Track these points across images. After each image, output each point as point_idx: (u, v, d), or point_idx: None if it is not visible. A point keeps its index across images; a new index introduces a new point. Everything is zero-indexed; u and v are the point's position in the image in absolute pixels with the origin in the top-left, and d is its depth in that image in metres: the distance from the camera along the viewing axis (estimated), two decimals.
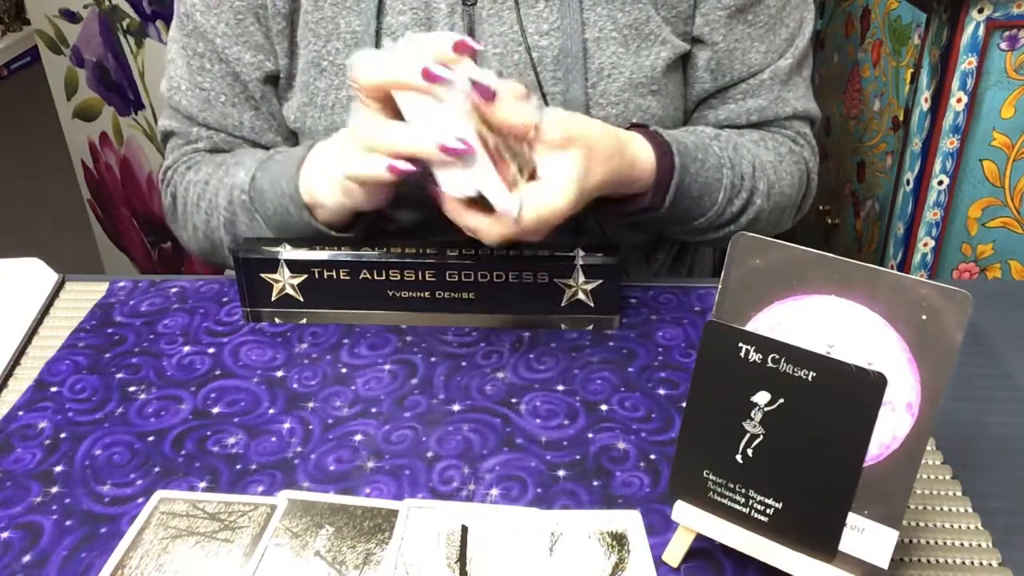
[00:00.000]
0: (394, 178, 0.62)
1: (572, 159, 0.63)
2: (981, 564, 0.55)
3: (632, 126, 0.74)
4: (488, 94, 0.60)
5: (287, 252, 0.73)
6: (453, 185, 0.61)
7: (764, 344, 0.49)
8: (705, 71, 0.81)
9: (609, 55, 0.77)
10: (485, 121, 0.61)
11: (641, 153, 0.71)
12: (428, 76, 0.59)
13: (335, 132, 0.74)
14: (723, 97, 0.83)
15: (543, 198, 0.62)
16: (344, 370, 0.70)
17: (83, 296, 0.81)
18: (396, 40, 0.77)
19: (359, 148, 0.63)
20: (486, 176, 0.61)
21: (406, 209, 0.83)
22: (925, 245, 1.29)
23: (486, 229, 0.62)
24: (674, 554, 0.54)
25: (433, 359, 0.71)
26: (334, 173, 0.69)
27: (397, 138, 0.61)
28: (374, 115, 0.63)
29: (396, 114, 0.62)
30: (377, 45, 0.77)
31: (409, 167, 0.62)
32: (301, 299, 0.74)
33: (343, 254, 0.73)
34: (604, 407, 0.66)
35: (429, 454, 0.62)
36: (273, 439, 0.64)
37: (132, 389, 0.69)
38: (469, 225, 0.63)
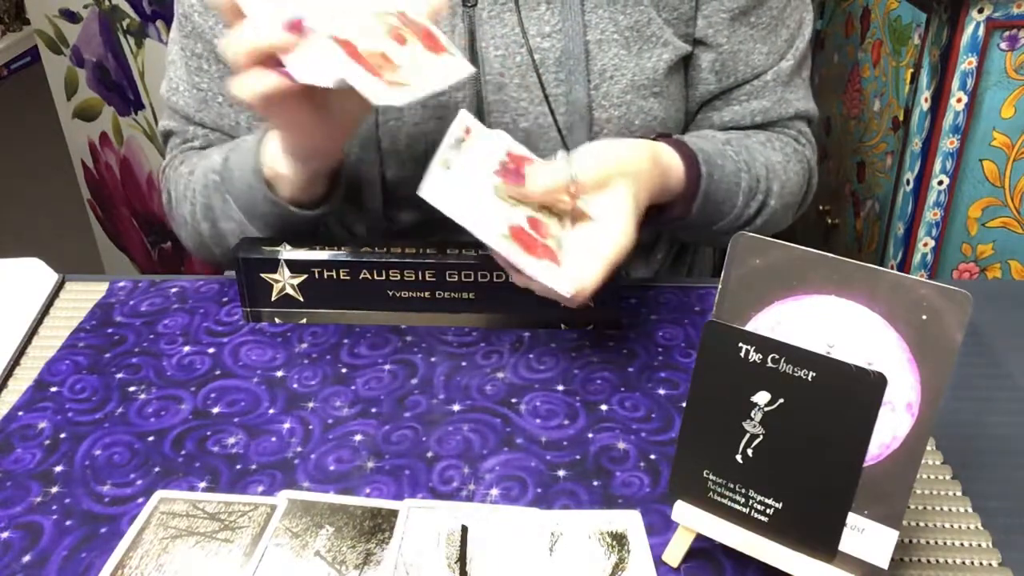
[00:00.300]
0: (288, 83, 0.59)
1: (621, 194, 0.64)
2: (981, 564, 0.55)
3: (657, 136, 0.75)
4: (517, 178, 0.62)
5: (287, 252, 0.73)
6: (303, 71, 0.58)
7: (764, 344, 0.49)
8: (709, 73, 0.82)
9: (611, 57, 0.77)
10: (522, 199, 0.62)
11: (672, 164, 0.72)
12: (293, 25, 0.58)
13: None
14: (727, 99, 0.83)
15: (608, 241, 0.62)
16: (344, 370, 0.70)
17: (83, 296, 0.81)
18: None
19: (234, 68, 0.61)
20: (545, 269, 0.61)
21: (406, 209, 0.83)
22: (925, 245, 1.29)
23: (573, 299, 0.62)
24: (674, 554, 0.54)
25: (433, 359, 0.71)
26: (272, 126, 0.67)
27: (245, 31, 0.59)
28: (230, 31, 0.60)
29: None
30: None
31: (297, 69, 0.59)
32: (301, 299, 0.74)
33: (343, 254, 0.73)
34: (604, 407, 0.66)
35: (429, 454, 0.62)
36: (273, 439, 0.64)
37: (132, 389, 0.69)
38: (555, 297, 0.63)
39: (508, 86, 0.77)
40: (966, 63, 1.15)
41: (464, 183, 0.62)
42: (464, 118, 0.65)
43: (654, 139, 0.74)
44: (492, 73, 0.77)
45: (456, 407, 0.66)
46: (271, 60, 0.59)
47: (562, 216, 0.65)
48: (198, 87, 0.82)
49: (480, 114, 0.77)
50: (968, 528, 0.57)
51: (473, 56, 0.76)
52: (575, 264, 0.62)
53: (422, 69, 0.61)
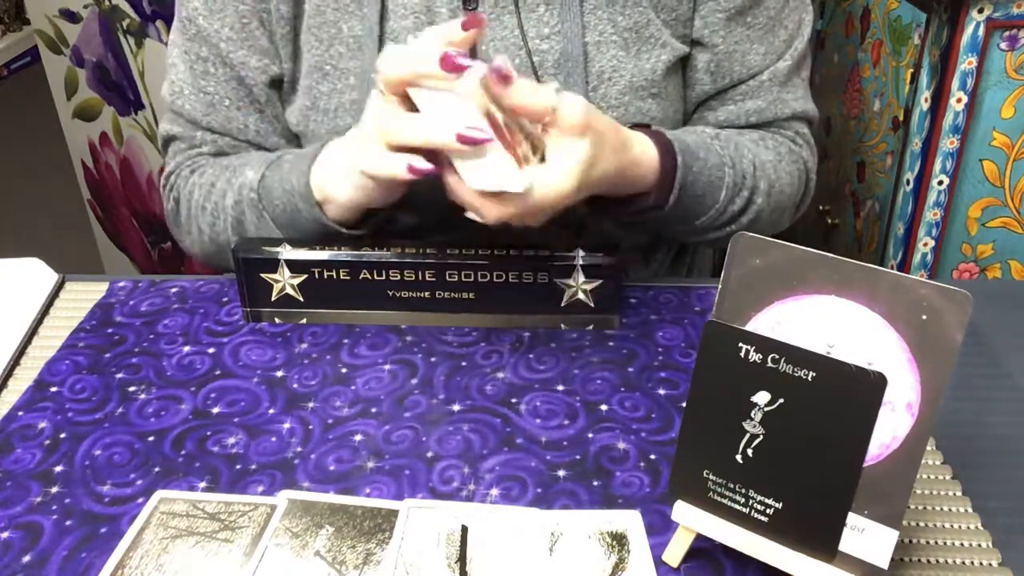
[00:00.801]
0: (412, 177, 0.62)
1: (582, 145, 0.62)
2: (981, 564, 0.55)
3: (634, 126, 0.74)
4: (505, 75, 0.60)
5: (287, 252, 0.73)
6: (474, 178, 0.61)
7: (764, 344, 0.49)
8: (705, 73, 0.81)
9: (609, 58, 0.77)
10: (499, 104, 0.61)
11: (645, 151, 0.71)
12: (447, 62, 0.59)
13: (338, 136, 0.74)
14: (723, 99, 0.83)
15: (549, 180, 0.61)
16: (344, 370, 0.70)
17: (83, 296, 0.81)
18: (400, 43, 0.77)
19: (377, 142, 0.63)
20: (496, 155, 0.60)
21: (406, 210, 0.83)
22: (925, 245, 1.29)
23: (488, 207, 0.62)
24: (674, 554, 0.54)
25: (433, 359, 0.71)
26: (349, 169, 0.68)
27: (415, 129, 0.61)
28: (392, 108, 0.62)
29: (414, 111, 0.62)
30: (380, 50, 0.77)
31: (428, 167, 0.61)
32: (301, 299, 0.75)
33: (343, 254, 0.73)
34: (604, 407, 0.66)
35: (429, 454, 0.62)
36: (273, 439, 0.64)
37: (132, 389, 0.69)
38: (471, 202, 0.62)
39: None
40: (966, 63, 1.15)
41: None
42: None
43: (630, 128, 0.73)
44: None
45: (456, 407, 0.66)
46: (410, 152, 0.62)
47: (535, 148, 0.63)
48: (204, 91, 0.82)
49: None
50: (968, 528, 0.57)
51: (472, 58, 0.76)
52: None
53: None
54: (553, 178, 0.61)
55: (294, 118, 0.83)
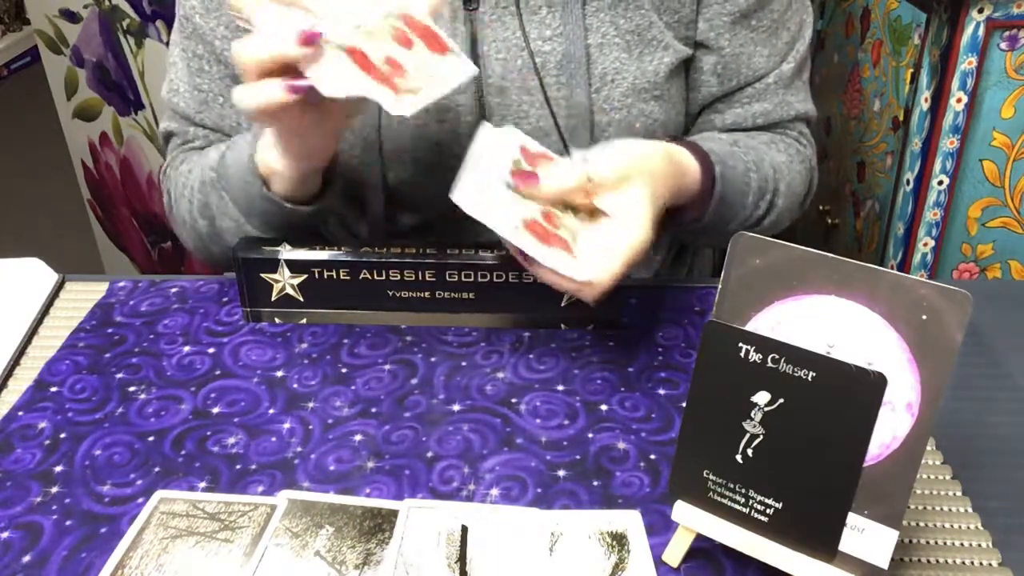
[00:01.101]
0: (294, 97, 0.60)
1: (638, 193, 0.63)
2: (981, 564, 0.55)
3: (670, 139, 0.75)
4: (531, 179, 0.62)
5: (287, 252, 0.73)
6: (329, 84, 0.59)
7: (764, 344, 0.49)
8: (711, 76, 0.82)
9: (612, 60, 0.77)
10: (532, 197, 0.63)
11: (688, 164, 0.72)
12: (307, 37, 0.58)
13: None
14: (729, 101, 0.83)
15: (626, 235, 0.62)
16: (344, 370, 0.70)
17: (83, 296, 0.81)
18: None
19: (246, 78, 0.61)
20: (559, 258, 0.62)
21: (408, 211, 0.83)
22: (925, 245, 1.29)
23: (586, 289, 0.62)
24: (674, 554, 0.54)
25: (433, 359, 0.71)
26: (266, 130, 0.67)
27: (259, 45, 0.59)
28: (241, 42, 0.60)
29: None
30: None
31: (304, 82, 0.59)
32: (301, 299, 0.75)
33: (343, 254, 0.73)
34: (604, 407, 0.66)
35: (429, 454, 0.62)
36: (273, 439, 0.64)
37: (132, 389, 0.69)
38: (569, 288, 0.63)
39: (509, 90, 0.77)
40: (966, 63, 1.15)
41: (483, 183, 0.63)
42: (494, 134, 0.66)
43: (667, 140, 0.73)
44: (494, 76, 0.77)
45: (456, 407, 0.66)
46: (277, 70, 0.60)
47: (577, 211, 0.65)
48: (199, 88, 0.82)
49: (482, 117, 0.77)
50: (968, 528, 0.57)
51: (475, 60, 0.76)
52: (591, 257, 0.62)
53: (429, 73, 0.61)
54: (628, 230, 0.62)
55: None
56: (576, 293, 0.64)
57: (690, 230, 0.77)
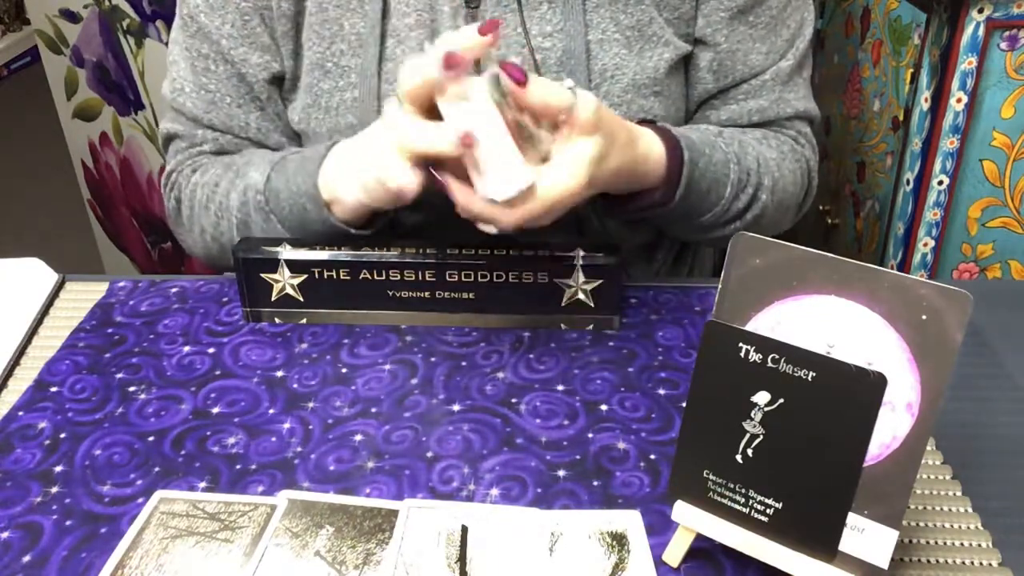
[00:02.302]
0: (419, 184, 0.62)
1: (592, 142, 0.62)
2: (981, 564, 0.55)
3: (640, 122, 0.74)
4: (519, 74, 0.60)
5: (287, 252, 0.73)
6: (488, 187, 0.60)
7: (764, 344, 0.49)
8: (707, 72, 0.81)
9: (612, 56, 0.77)
10: (514, 103, 0.61)
11: (652, 148, 0.71)
12: (449, 60, 0.59)
13: (339, 134, 0.73)
14: (725, 98, 0.83)
15: (559, 177, 0.61)
16: (344, 370, 0.70)
17: (83, 296, 0.81)
18: (402, 41, 0.77)
19: (392, 151, 0.62)
20: (505, 157, 0.60)
21: (407, 210, 0.83)
22: (925, 245, 1.28)
23: (501, 213, 0.61)
24: (674, 554, 0.54)
25: (433, 359, 0.71)
26: (359, 173, 0.68)
27: (424, 136, 0.61)
28: (409, 116, 0.62)
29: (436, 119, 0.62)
30: (382, 47, 0.77)
31: (445, 180, 0.62)
32: (301, 299, 0.75)
33: (343, 254, 0.73)
34: (604, 407, 0.66)
35: (429, 454, 0.62)
36: (273, 439, 0.64)
37: (132, 389, 0.69)
38: (484, 212, 0.62)
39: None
40: (966, 63, 1.15)
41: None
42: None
43: (638, 123, 0.73)
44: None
45: (456, 407, 0.66)
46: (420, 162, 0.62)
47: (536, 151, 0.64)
48: (206, 88, 0.82)
49: None
50: (968, 528, 0.57)
51: (476, 64, 0.76)
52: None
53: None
54: (563, 176, 0.61)
55: (295, 116, 0.82)
56: (483, 217, 0.62)
57: (661, 215, 0.75)
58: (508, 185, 0.60)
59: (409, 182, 0.62)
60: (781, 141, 0.83)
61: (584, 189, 0.62)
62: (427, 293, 0.73)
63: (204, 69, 0.81)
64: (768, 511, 0.50)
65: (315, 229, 0.74)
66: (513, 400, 0.67)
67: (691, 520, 0.53)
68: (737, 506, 0.51)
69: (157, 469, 0.61)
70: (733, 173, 0.77)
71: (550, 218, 0.63)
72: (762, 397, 0.49)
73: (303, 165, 0.73)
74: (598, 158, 0.63)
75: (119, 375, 0.70)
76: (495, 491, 0.59)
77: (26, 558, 0.55)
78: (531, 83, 0.60)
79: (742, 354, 0.49)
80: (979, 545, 0.56)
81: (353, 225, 0.73)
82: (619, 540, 0.55)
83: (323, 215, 0.72)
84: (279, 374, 0.70)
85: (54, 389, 0.69)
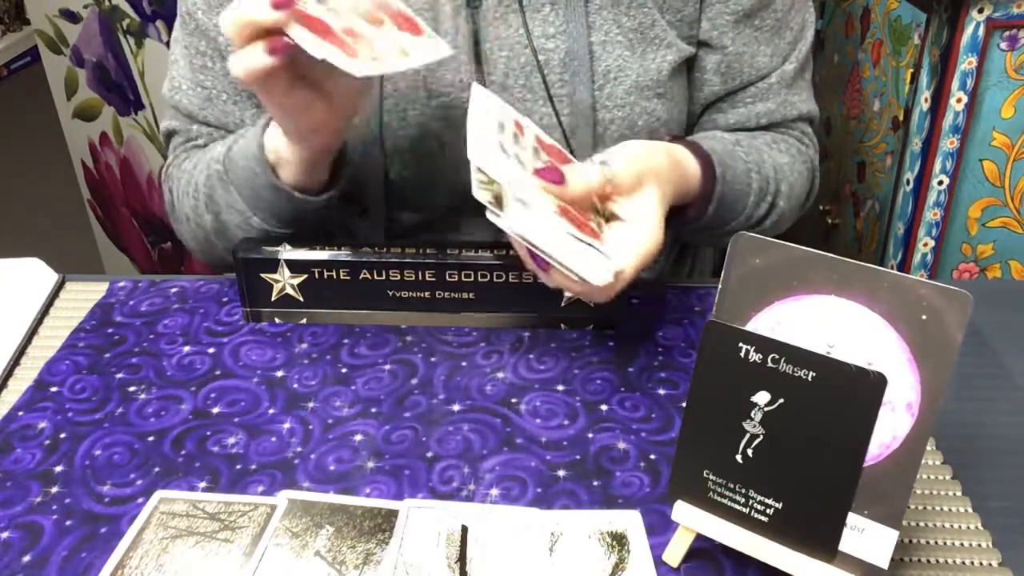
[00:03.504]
0: (277, 60, 0.60)
1: (651, 196, 0.64)
2: (981, 564, 0.55)
3: (672, 138, 0.75)
4: (557, 176, 0.61)
5: (287, 252, 0.73)
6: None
7: (764, 344, 0.49)
8: (714, 75, 0.82)
9: (615, 58, 0.77)
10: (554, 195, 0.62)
11: (689, 164, 0.72)
12: (279, 3, 0.59)
13: None
14: (732, 101, 0.83)
15: (640, 240, 0.62)
16: (344, 370, 0.70)
17: (83, 296, 0.81)
18: None
19: (235, 46, 0.62)
20: (583, 252, 0.61)
21: (409, 209, 0.83)
22: (925, 245, 1.28)
23: (598, 292, 0.62)
24: (674, 554, 0.54)
25: (433, 359, 0.71)
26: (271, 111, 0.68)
27: (243, 9, 0.60)
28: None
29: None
30: None
31: (286, 40, 0.60)
32: (301, 299, 0.74)
33: (343, 254, 0.73)
34: (604, 407, 0.66)
35: (429, 454, 0.62)
36: (273, 439, 0.64)
37: (132, 389, 0.69)
38: (580, 291, 0.63)
39: (512, 87, 0.77)
40: (966, 63, 1.15)
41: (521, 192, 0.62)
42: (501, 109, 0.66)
43: (669, 140, 0.74)
44: (496, 74, 0.77)
45: (456, 407, 0.66)
46: (261, 37, 0.61)
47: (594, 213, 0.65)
48: (202, 85, 0.82)
49: None
50: (968, 528, 0.57)
51: (477, 57, 0.76)
52: (603, 260, 0.62)
53: (399, 47, 0.63)
54: (643, 237, 0.63)
55: None
56: (585, 295, 0.63)
57: (690, 229, 0.77)
58: (605, 271, 0.61)
59: (259, 57, 0.60)
60: (790, 144, 0.84)
61: (663, 235, 0.64)
62: (427, 293, 0.73)
63: (201, 66, 0.81)
64: (768, 511, 0.50)
65: (266, 197, 0.73)
66: (513, 400, 0.67)
67: (691, 520, 0.53)
68: (737, 506, 0.51)
69: (157, 469, 0.61)
70: (755, 183, 0.78)
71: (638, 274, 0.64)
72: (762, 397, 0.49)
73: (254, 131, 0.73)
74: (661, 201, 0.65)
75: (119, 375, 0.70)
76: (495, 491, 0.59)
77: (26, 558, 0.55)
78: (569, 181, 0.62)
79: (742, 354, 0.49)
80: (979, 545, 0.56)
81: (302, 188, 0.72)
82: (619, 540, 0.55)
83: (269, 178, 0.71)
84: (279, 374, 0.70)
85: (54, 389, 0.69)
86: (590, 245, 0.61)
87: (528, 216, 0.60)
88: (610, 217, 0.65)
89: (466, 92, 0.77)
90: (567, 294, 0.72)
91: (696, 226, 0.76)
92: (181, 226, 0.84)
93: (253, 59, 0.61)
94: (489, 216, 0.61)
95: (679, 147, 0.72)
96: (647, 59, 0.78)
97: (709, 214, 0.75)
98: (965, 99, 1.18)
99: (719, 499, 0.51)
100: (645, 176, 0.64)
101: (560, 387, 0.68)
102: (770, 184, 0.80)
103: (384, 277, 0.73)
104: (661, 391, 0.68)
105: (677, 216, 0.73)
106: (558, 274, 0.62)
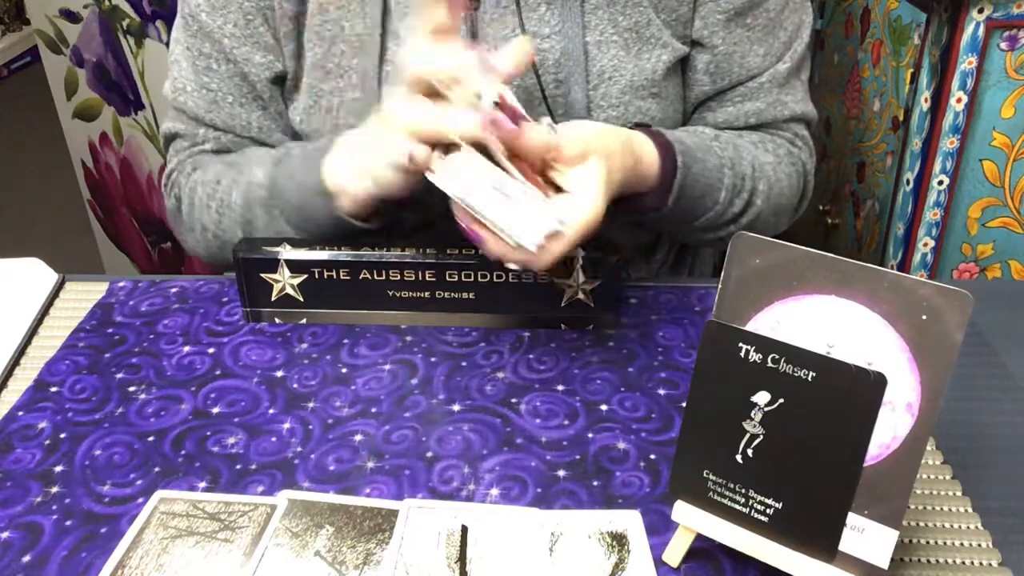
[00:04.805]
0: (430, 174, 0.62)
1: (594, 167, 0.63)
2: (981, 564, 0.55)
3: (635, 125, 0.75)
4: (513, 120, 0.61)
5: (287, 252, 0.73)
6: (526, 239, 0.61)
7: (764, 344, 0.49)
8: (704, 74, 0.82)
9: (610, 58, 0.77)
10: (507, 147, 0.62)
11: (645, 151, 0.71)
12: (494, 123, 0.60)
13: (340, 135, 0.73)
14: (721, 100, 0.83)
15: (581, 208, 0.62)
16: (344, 370, 0.70)
17: (83, 296, 0.81)
18: (402, 43, 0.77)
19: (402, 133, 0.63)
20: (526, 202, 0.61)
21: (407, 210, 0.83)
22: (925, 245, 1.28)
23: (536, 259, 0.62)
24: (674, 554, 0.54)
25: (433, 359, 0.71)
26: (365, 161, 0.68)
27: (440, 117, 0.61)
28: (417, 99, 0.62)
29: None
30: (383, 49, 0.77)
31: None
32: (301, 299, 0.74)
33: (343, 254, 0.73)
34: (604, 407, 0.66)
35: (429, 454, 0.62)
36: (273, 439, 0.64)
37: (132, 389, 0.69)
38: (519, 259, 0.63)
39: (507, 87, 0.77)
40: (966, 63, 1.15)
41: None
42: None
43: (631, 127, 0.73)
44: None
45: (456, 407, 0.66)
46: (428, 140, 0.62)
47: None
48: (207, 87, 0.82)
49: None
50: (968, 528, 0.57)
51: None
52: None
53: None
54: (584, 205, 0.62)
55: (297, 116, 0.82)
56: (520, 262, 0.63)
57: (653, 219, 0.76)
58: (537, 232, 0.61)
59: (419, 150, 0.62)
60: (778, 144, 0.83)
61: (604, 211, 0.63)
62: (427, 293, 0.73)
63: (206, 68, 0.81)
64: (768, 511, 0.50)
65: (319, 223, 0.73)
66: (513, 400, 0.67)
67: (691, 520, 0.53)
68: (737, 506, 0.51)
69: (157, 469, 0.61)
70: (728, 178, 0.77)
71: (576, 247, 0.64)
72: (762, 397, 0.49)
73: (307, 159, 0.73)
74: (606, 175, 0.64)
75: (119, 375, 0.70)
76: (495, 491, 0.59)
77: (26, 558, 0.55)
78: (524, 132, 0.61)
79: (742, 354, 0.49)
80: (979, 545, 0.56)
81: (359, 218, 0.72)
82: (619, 540, 0.55)
83: (328, 208, 0.72)
84: (279, 374, 0.70)
85: (54, 389, 0.69)
86: (532, 200, 0.61)
87: (461, 173, 0.60)
88: (551, 186, 0.64)
89: None
90: (567, 295, 0.72)
91: (659, 216, 0.75)
92: (192, 234, 0.84)
93: (408, 147, 0.62)
94: (428, 176, 0.62)
95: (639, 134, 0.72)
96: (642, 59, 0.78)
97: (670, 204, 0.74)
98: (965, 99, 1.18)
99: (719, 499, 0.51)
100: (593, 151, 0.64)
101: (560, 387, 0.68)
102: (746, 181, 0.79)
103: (384, 277, 0.73)
104: (661, 391, 0.68)
105: (632, 202, 0.73)
106: (493, 240, 0.62)
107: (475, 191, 0.61)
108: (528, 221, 0.61)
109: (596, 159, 0.64)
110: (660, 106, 0.80)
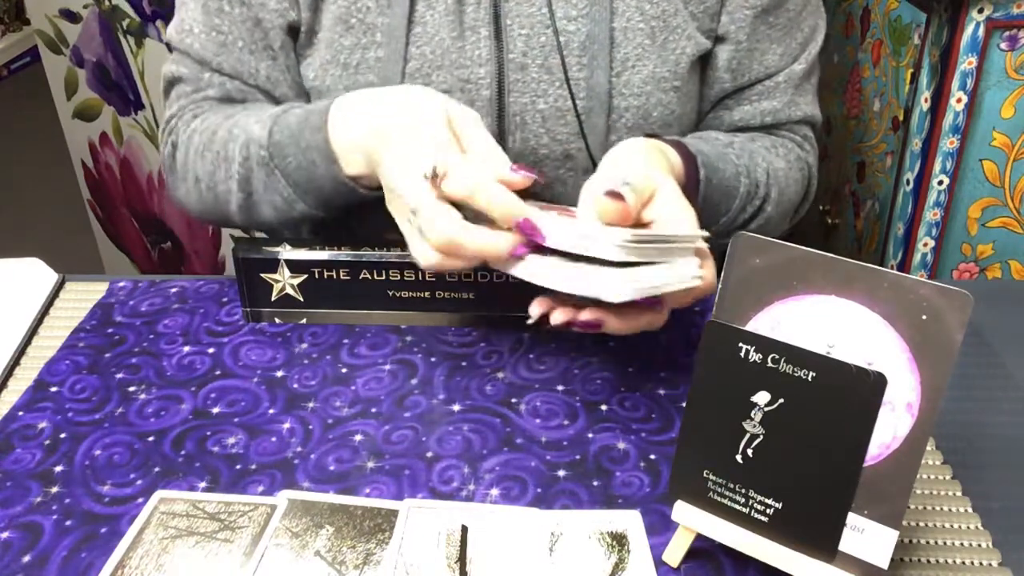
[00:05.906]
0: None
1: (669, 188, 0.62)
2: (981, 564, 0.55)
3: (652, 136, 0.74)
4: (616, 195, 0.59)
5: (287, 252, 0.73)
6: (610, 291, 0.56)
7: (764, 344, 0.49)
8: (725, 71, 0.82)
9: (635, 46, 0.77)
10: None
11: (674, 163, 0.72)
12: (525, 227, 0.58)
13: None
14: (739, 98, 0.84)
15: (690, 221, 0.61)
16: (344, 370, 0.70)
17: (83, 296, 0.81)
18: (431, 5, 0.75)
19: (432, 240, 0.60)
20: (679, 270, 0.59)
21: None
22: (925, 245, 1.28)
23: (660, 318, 0.61)
24: (674, 554, 0.54)
25: (433, 359, 0.71)
26: (388, 171, 0.65)
27: (476, 241, 0.59)
28: (445, 208, 0.60)
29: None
30: (412, 9, 0.75)
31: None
32: (301, 299, 0.74)
33: (343, 254, 0.73)
34: (604, 407, 0.66)
35: (429, 454, 0.62)
36: (273, 439, 0.64)
37: (132, 389, 0.69)
38: (647, 325, 0.61)
39: (530, 67, 0.76)
40: (966, 63, 1.15)
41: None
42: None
43: (646, 137, 0.73)
44: (515, 52, 0.76)
45: (456, 407, 0.66)
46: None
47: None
48: (218, 30, 0.79)
49: (500, 93, 0.77)
50: (968, 528, 0.57)
51: (497, 33, 0.76)
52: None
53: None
54: (687, 217, 0.61)
55: (311, 72, 0.80)
56: (652, 325, 0.61)
57: None
58: (694, 267, 0.59)
59: (441, 165, 0.59)
60: (788, 149, 0.84)
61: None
62: (427, 293, 0.73)
63: (218, 10, 0.78)
64: (768, 511, 0.50)
65: (321, 185, 0.71)
66: (513, 400, 0.67)
67: (691, 520, 0.53)
68: (737, 506, 0.51)
69: (157, 469, 0.61)
70: (743, 186, 0.78)
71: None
72: (762, 397, 0.49)
73: (308, 119, 0.71)
74: (678, 189, 0.63)
75: (119, 375, 0.70)
76: (495, 491, 0.59)
77: (26, 558, 0.55)
78: (627, 201, 0.59)
79: (742, 354, 0.49)
80: (979, 545, 0.56)
81: (363, 183, 0.70)
82: (619, 540, 0.55)
83: (332, 170, 0.70)
84: (279, 374, 0.70)
85: (54, 389, 0.69)
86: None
87: (532, 259, 0.58)
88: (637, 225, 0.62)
89: (483, 67, 0.76)
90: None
91: None
92: (184, 184, 0.82)
93: (445, 265, 0.62)
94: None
95: (667, 145, 0.71)
96: (666, 49, 0.78)
97: None
98: (965, 99, 1.18)
99: (719, 499, 0.51)
100: (655, 172, 0.63)
101: (560, 387, 0.68)
102: (760, 188, 0.79)
103: (384, 277, 0.73)
104: (661, 391, 0.68)
105: None
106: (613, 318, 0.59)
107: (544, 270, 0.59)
108: (682, 265, 0.59)
109: (663, 178, 0.62)
110: (679, 101, 0.80)
